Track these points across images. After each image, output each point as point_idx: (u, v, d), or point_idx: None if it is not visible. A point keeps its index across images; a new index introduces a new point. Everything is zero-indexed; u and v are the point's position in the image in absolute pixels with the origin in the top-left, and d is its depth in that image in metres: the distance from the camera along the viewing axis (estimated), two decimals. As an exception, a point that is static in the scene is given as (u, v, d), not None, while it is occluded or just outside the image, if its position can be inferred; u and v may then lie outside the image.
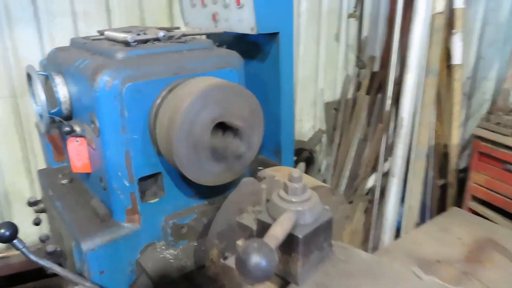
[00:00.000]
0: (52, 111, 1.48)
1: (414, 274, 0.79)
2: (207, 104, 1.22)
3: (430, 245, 1.41)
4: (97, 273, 1.31)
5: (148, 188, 1.40)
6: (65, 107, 1.49)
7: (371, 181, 3.21)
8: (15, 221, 2.54)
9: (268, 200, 0.75)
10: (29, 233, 2.47)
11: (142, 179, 1.36)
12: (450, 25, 2.79)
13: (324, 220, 0.72)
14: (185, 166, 1.23)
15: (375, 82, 3.46)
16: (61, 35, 2.43)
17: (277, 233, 0.61)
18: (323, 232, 0.72)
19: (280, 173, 1.14)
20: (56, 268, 1.21)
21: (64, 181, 1.68)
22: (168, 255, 1.35)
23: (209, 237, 1.01)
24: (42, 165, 1.99)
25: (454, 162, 2.98)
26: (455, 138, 2.94)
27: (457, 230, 1.96)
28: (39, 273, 2.09)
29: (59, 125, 1.58)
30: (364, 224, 3.20)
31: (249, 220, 0.76)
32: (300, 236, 0.67)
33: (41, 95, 1.45)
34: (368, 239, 3.12)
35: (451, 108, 2.92)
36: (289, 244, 0.68)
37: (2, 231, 1.09)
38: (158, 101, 1.30)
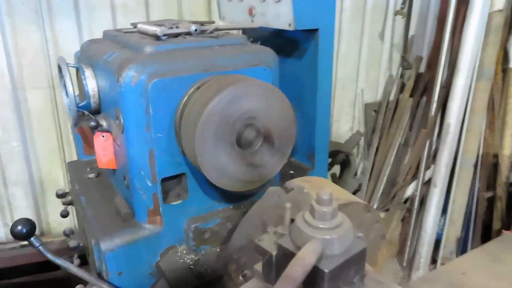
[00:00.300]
0: (81, 104, 1.46)
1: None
2: (234, 105, 1.14)
3: (478, 277, 1.23)
4: (116, 273, 1.27)
5: (171, 189, 1.34)
6: (93, 101, 1.46)
7: (410, 189, 3.03)
8: (48, 209, 2.61)
9: (292, 221, 0.65)
10: (62, 221, 2.52)
11: (165, 180, 1.31)
12: (510, 24, 2.55)
13: (357, 251, 0.61)
14: (208, 170, 1.16)
15: (420, 84, 3.25)
16: (99, 28, 2.43)
17: (297, 274, 0.51)
18: (355, 264, 0.62)
19: (310, 184, 1.04)
20: (73, 268, 1.18)
21: (91, 175, 1.66)
22: (188, 260, 1.29)
23: (229, 250, 0.92)
24: (75, 156, 2.00)
25: (505, 174, 2.73)
26: (507, 148, 2.70)
27: (511, 260, 1.71)
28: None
29: (87, 118, 1.56)
30: (400, 234, 3.03)
31: (269, 243, 0.67)
32: (326, 270, 0.57)
33: (69, 87, 1.42)
34: (403, 251, 2.94)
35: (504, 115, 2.68)
36: (312, 278, 0.59)
37: (19, 228, 1.06)
38: (185, 99, 1.23)
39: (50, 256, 1.15)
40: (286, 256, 0.61)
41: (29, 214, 2.57)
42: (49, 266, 2.45)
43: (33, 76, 2.39)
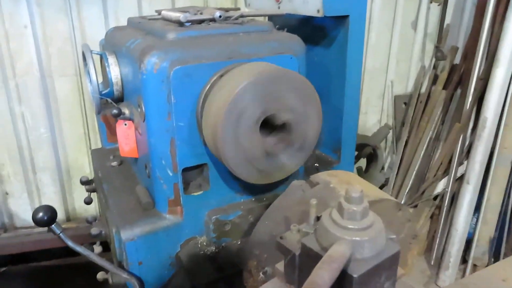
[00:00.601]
0: (104, 91, 1.45)
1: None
2: (257, 95, 1.09)
3: (521, 284, 1.14)
4: (136, 263, 1.26)
5: (192, 179, 1.32)
6: (116, 88, 1.44)
7: (440, 186, 2.90)
8: (73, 196, 2.65)
9: (318, 218, 0.60)
10: (88, 207, 2.56)
11: (186, 170, 1.28)
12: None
13: (389, 255, 0.56)
14: (229, 160, 1.12)
15: (454, 75, 3.09)
16: (125, 15, 2.42)
17: (323, 281, 0.46)
18: (386, 269, 0.56)
19: (336, 179, 0.98)
20: (93, 256, 1.17)
21: (114, 163, 1.65)
22: (208, 252, 1.26)
23: (249, 245, 0.89)
24: (100, 143, 2.01)
25: None
26: None
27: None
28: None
29: (111, 106, 1.55)
30: (428, 232, 2.91)
31: (292, 242, 0.62)
32: (355, 275, 0.52)
33: (93, 75, 1.41)
34: (432, 249, 2.83)
35: None
36: (339, 283, 0.54)
37: (41, 215, 1.06)
38: (208, 87, 1.20)
39: (70, 244, 1.14)
40: (310, 257, 0.56)
41: (56, 200, 2.62)
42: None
43: (61, 64, 2.42)
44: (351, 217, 0.55)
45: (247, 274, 0.90)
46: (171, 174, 1.25)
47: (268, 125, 1.17)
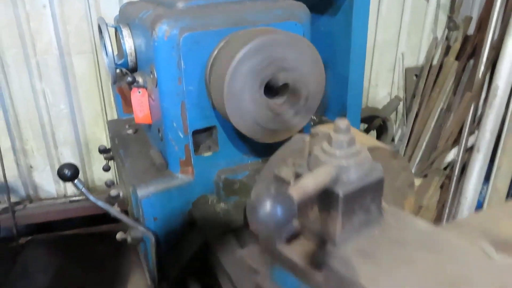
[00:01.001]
0: (119, 62, 1.53)
1: (482, 250, 0.67)
2: (263, 54, 1.15)
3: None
4: (151, 219, 1.36)
5: (202, 141, 1.40)
6: (130, 59, 1.52)
7: (451, 155, 2.91)
8: (93, 168, 2.78)
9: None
10: (105, 178, 2.69)
11: (197, 132, 1.36)
12: None
13: (374, 179, 0.63)
14: (236, 118, 1.19)
15: (468, 46, 3.06)
16: (138, -8, 2.49)
17: (307, 185, 0.53)
18: (371, 192, 0.63)
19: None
20: (112, 211, 1.27)
21: (130, 131, 1.75)
22: (218, 209, 1.35)
23: (252, 194, 0.96)
24: (116, 116, 2.10)
25: None
26: None
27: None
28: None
29: (126, 77, 1.64)
30: (438, 201, 2.95)
31: (287, 173, 0.69)
32: (340, 193, 0.59)
33: (109, 47, 1.49)
34: (441, 218, 2.88)
35: None
36: (328, 201, 0.61)
37: (65, 170, 1.16)
38: (215, 52, 1.26)
39: (92, 198, 1.25)
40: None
41: (77, 173, 2.76)
42: (97, 220, 2.65)
43: (78, 42, 2.51)
44: (338, 146, 0.62)
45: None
46: (182, 136, 1.33)
47: (273, 88, 1.23)
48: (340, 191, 0.60)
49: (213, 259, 1.28)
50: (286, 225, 0.48)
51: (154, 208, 1.35)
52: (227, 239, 1.26)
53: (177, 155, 1.36)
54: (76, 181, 1.19)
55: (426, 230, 0.70)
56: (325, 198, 0.61)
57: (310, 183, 0.54)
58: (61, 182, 2.77)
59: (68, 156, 2.73)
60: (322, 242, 0.66)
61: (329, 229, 0.63)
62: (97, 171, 2.79)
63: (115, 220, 2.04)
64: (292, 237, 0.69)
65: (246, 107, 1.18)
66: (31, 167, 2.72)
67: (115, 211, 1.28)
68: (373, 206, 0.65)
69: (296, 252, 0.68)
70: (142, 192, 1.33)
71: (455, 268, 0.60)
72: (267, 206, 0.47)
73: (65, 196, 2.79)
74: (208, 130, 1.38)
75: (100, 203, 1.26)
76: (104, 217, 2.36)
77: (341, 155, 0.62)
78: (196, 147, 1.38)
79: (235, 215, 1.34)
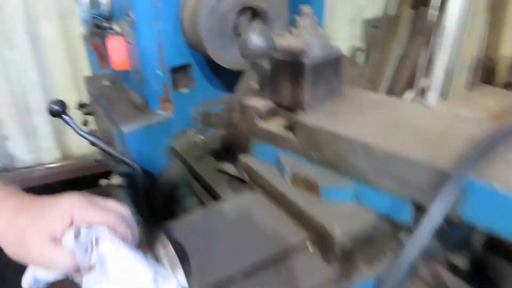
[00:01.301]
0: (94, 12, 1.61)
1: (423, 105, 0.85)
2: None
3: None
4: (136, 153, 1.47)
5: (180, 80, 1.52)
6: (104, 9, 1.60)
7: (407, 98, 3.10)
8: (68, 136, 2.80)
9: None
10: (81, 145, 2.74)
11: (174, 71, 1.47)
12: None
13: (334, 55, 0.79)
14: (211, 48, 1.31)
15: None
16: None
17: (281, 40, 0.68)
18: (333, 67, 0.79)
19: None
20: (101, 144, 1.37)
21: (107, 83, 1.83)
22: (197, 140, 1.48)
23: (231, 102, 1.10)
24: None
25: (501, 77, 2.78)
26: (506, 50, 2.72)
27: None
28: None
29: (101, 32, 1.71)
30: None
31: (265, 62, 0.84)
32: (308, 63, 0.75)
33: (83, -3, 1.57)
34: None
35: (503, 16, 2.69)
36: (296, 72, 0.76)
37: (54, 106, 1.25)
38: (188, -9, 1.37)
39: (81, 132, 1.34)
40: (277, 65, 0.78)
41: (51, 140, 2.80)
42: (76, 186, 2.71)
43: (46, 7, 2.53)
44: (303, 28, 0.77)
45: (232, 129, 1.12)
46: (160, 74, 1.44)
47: (240, 25, 1.36)
48: (308, 61, 0.75)
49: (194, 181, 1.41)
50: (267, 51, 0.64)
51: (138, 142, 1.46)
52: (206, 160, 1.40)
53: (156, 92, 1.47)
54: (65, 116, 1.28)
55: (378, 98, 0.87)
56: (296, 70, 0.77)
57: (284, 39, 0.70)
58: (37, 150, 2.80)
59: (42, 124, 2.76)
60: (294, 111, 0.82)
61: (299, 98, 0.79)
62: (74, 138, 2.83)
63: (94, 184, 2.13)
64: (268, 115, 0.84)
65: (220, 35, 1.31)
66: (5, 137, 2.73)
67: (103, 144, 1.38)
68: (335, 80, 0.81)
69: (272, 125, 0.83)
70: (126, 128, 1.44)
71: (399, 116, 0.77)
72: (254, 36, 0.63)
73: (41, 164, 2.83)
74: (184, 68, 1.49)
75: (90, 137, 1.36)
76: (84, 182, 2.43)
77: (306, 35, 0.77)
78: (175, 85, 1.50)
79: (213, 144, 1.47)
